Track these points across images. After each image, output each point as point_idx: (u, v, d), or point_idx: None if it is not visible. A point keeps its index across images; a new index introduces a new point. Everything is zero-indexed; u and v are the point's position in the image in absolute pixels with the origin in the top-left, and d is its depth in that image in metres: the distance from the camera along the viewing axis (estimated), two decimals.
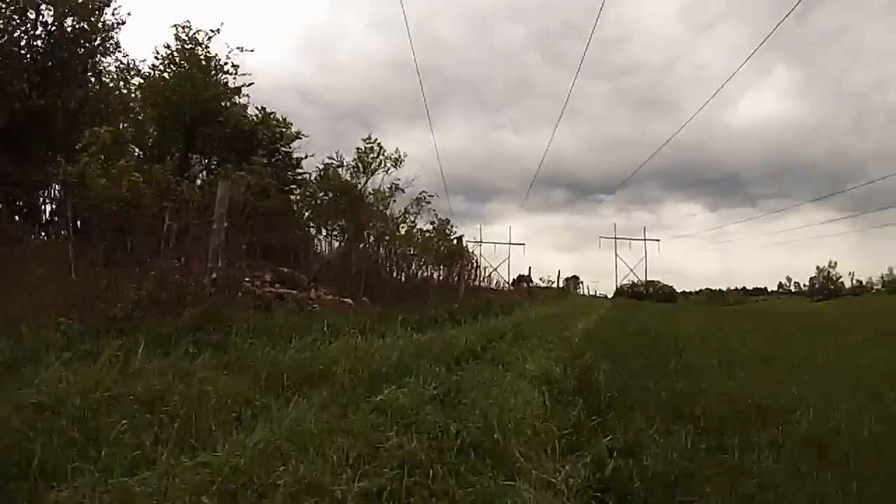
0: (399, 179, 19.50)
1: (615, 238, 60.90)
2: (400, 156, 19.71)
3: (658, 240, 62.14)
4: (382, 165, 19.47)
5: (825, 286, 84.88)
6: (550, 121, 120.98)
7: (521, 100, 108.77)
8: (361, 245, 14.10)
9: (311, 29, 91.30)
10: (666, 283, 62.58)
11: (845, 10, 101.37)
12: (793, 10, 10.91)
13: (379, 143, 19.27)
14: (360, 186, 18.63)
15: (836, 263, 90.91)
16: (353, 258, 13.20)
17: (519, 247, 59.93)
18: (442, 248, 18.24)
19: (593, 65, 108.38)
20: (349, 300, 10.54)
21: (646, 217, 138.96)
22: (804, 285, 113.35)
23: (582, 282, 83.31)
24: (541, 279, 56.27)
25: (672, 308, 32.88)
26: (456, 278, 19.61)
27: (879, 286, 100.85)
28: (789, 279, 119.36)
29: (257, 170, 10.70)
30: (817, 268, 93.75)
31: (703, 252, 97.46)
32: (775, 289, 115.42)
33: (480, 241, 58.04)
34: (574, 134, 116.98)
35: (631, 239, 60.54)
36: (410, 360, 4.87)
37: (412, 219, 18.53)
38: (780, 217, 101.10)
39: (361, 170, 18.92)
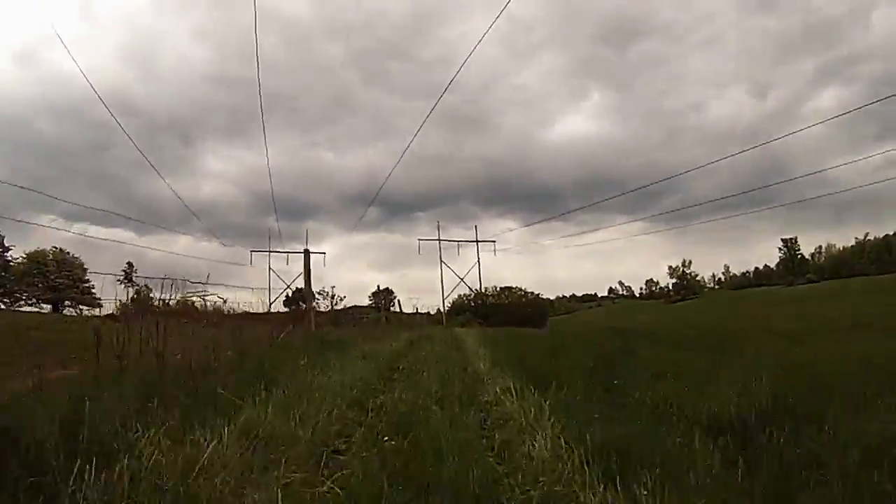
0: None
1: (439, 240, 44.00)
2: None
3: (494, 241, 44.23)
4: None
5: (681, 286, 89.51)
6: (368, 139, 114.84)
7: (339, 118, 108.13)
8: None
9: (134, 35, 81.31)
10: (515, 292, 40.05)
11: (665, 43, 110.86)
12: None
13: None
14: None
15: (690, 262, 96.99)
16: None
17: (319, 258, 48.08)
18: None
19: (412, 84, 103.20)
20: None
21: (465, 234, 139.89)
22: (641, 289, 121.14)
23: (397, 298, 74.56)
24: (321, 293, 42.09)
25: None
26: None
27: (712, 285, 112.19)
28: (622, 283, 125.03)
29: None
30: (669, 268, 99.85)
31: (523, 264, 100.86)
32: (605, 294, 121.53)
33: (269, 251, 43.45)
34: (389, 152, 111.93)
35: (458, 241, 44.97)
36: None
37: None
38: (593, 229, 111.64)
39: None
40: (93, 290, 41.19)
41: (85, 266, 40.47)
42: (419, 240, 45.84)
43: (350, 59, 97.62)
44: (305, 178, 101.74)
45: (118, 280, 53.86)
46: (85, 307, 40.32)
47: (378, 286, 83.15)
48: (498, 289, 34.52)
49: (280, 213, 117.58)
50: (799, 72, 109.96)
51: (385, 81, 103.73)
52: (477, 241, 44.39)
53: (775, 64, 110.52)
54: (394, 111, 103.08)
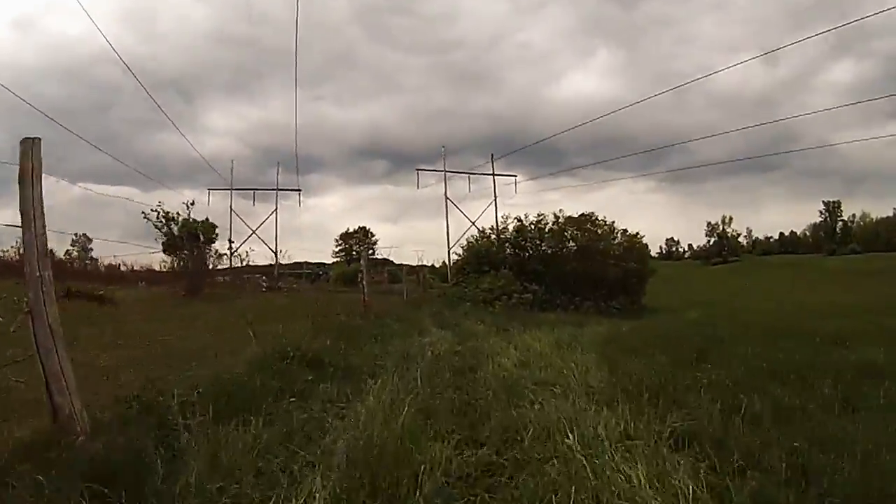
0: None
1: (444, 171, 33.38)
2: None
3: (515, 175, 33.50)
4: None
5: (721, 246, 78.62)
6: (371, 94, 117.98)
7: (342, 73, 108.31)
8: None
9: None
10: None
11: (673, 3, 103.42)
12: None
13: None
14: None
15: (730, 219, 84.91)
16: None
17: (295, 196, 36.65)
18: None
19: (416, 40, 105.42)
20: None
21: (472, 185, 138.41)
22: (661, 248, 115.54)
23: (375, 238, 61.73)
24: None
25: None
26: None
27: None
28: None
29: None
30: (708, 224, 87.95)
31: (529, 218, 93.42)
32: None
33: (231, 189, 34.92)
34: (394, 106, 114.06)
35: (468, 173, 34.13)
36: None
37: None
38: (600, 185, 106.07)
39: None
40: None
41: None
42: (417, 170, 34.18)
43: (354, 15, 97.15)
44: (308, 131, 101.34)
45: None
46: None
47: (347, 228, 70.94)
48: (562, 219, 19.46)
49: (283, 167, 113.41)
50: (812, 43, 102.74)
51: (388, 38, 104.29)
52: (494, 174, 31.91)
53: (787, 32, 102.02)
54: (397, 67, 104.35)
